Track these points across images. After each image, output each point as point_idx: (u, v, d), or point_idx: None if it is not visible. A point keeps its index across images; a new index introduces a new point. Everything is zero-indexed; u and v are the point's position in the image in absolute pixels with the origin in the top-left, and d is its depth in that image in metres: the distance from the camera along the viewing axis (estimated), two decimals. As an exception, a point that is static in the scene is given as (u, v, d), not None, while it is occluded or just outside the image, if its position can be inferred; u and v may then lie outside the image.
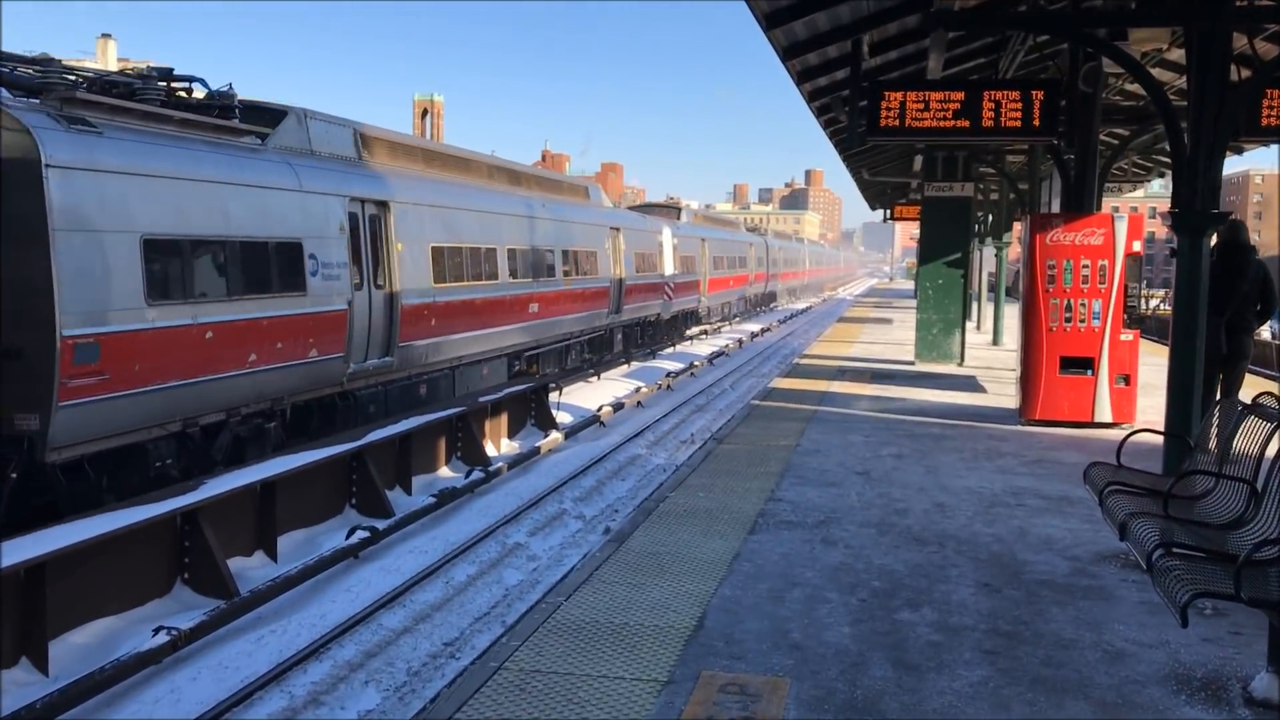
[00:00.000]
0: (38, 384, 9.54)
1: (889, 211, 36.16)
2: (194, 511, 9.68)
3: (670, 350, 32.90)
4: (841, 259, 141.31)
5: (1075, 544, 7.76)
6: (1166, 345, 26.29)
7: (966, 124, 10.12)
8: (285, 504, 11.18)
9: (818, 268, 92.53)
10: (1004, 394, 15.91)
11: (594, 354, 26.78)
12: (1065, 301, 12.73)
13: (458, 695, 5.08)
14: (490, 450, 16.31)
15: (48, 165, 9.56)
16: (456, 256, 17.36)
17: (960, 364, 20.23)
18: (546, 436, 16.99)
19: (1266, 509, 5.60)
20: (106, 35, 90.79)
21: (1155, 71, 14.51)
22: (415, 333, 15.79)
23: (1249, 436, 6.23)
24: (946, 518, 8.48)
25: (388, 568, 10.81)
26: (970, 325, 26.91)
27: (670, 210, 40.38)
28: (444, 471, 14.92)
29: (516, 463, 15.29)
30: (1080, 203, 13.30)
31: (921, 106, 10.15)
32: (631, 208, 39.56)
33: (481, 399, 16.40)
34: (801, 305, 68.82)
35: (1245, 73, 10.40)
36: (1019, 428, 12.95)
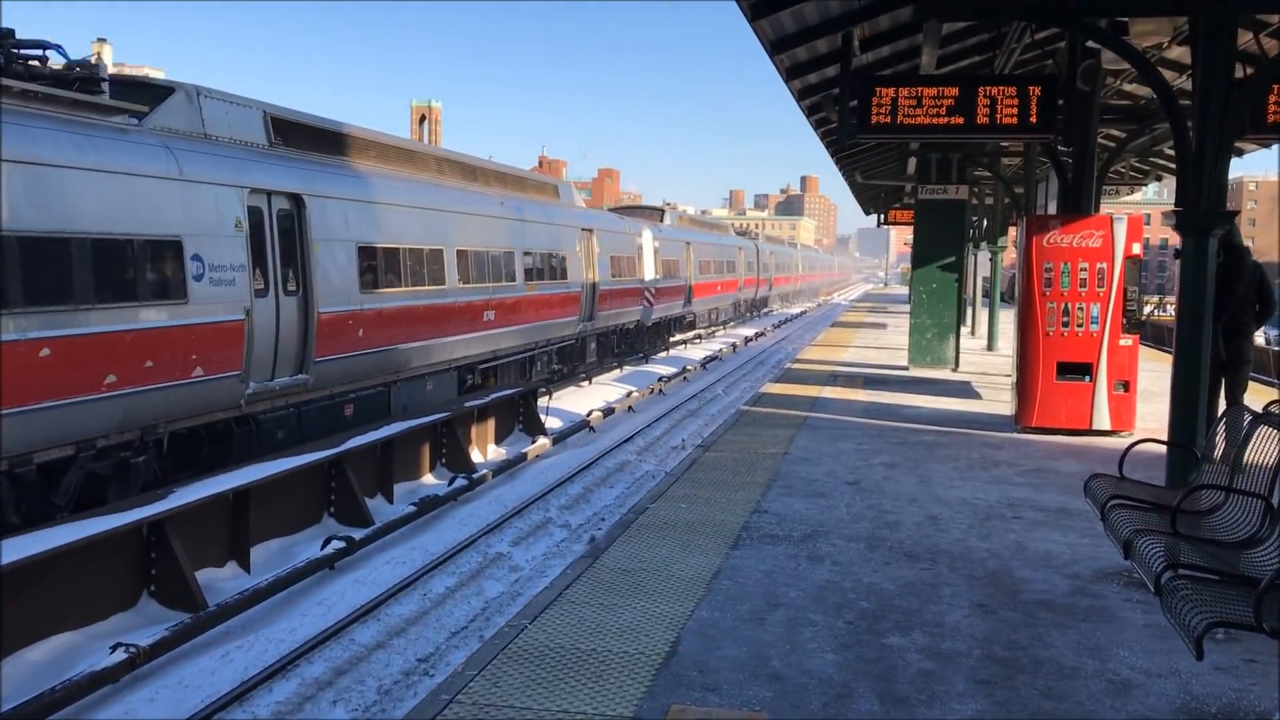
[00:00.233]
0: None
1: (883, 216, 35.82)
2: (161, 521, 9.30)
3: (663, 355, 32.56)
4: (836, 264, 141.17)
5: (1075, 560, 7.37)
6: (1163, 351, 25.98)
7: (961, 121, 9.75)
8: (259, 513, 10.79)
9: (811, 273, 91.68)
10: (999, 400, 15.54)
11: (564, 364, 24.67)
12: (1063, 305, 12.35)
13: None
14: (476, 456, 15.93)
15: None
16: (392, 259, 15.43)
17: (955, 369, 19.88)
18: (535, 442, 16.61)
19: (1283, 527, 5.22)
20: (102, 39, 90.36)
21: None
22: (337, 346, 13.80)
23: (1261, 449, 5.85)
24: (939, 531, 8.09)
25: (363, 579, 10.48)
26: (965, 330, 26.64)
27: (653, 212, 38.47)
28: (428, 479, 14.56)
29: (502, 469, 14.94)
30: (1078, 204, 12.93)
31: (914, 103, 9.78)
32: (612, 209, 38.24)
33: (468, 403, 16.00)
34: (796, 310, 68.56)
35: (1247, 72, 10.05)
36: (1015, 435, 12.56)
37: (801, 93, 13.42)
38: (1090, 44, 11.28)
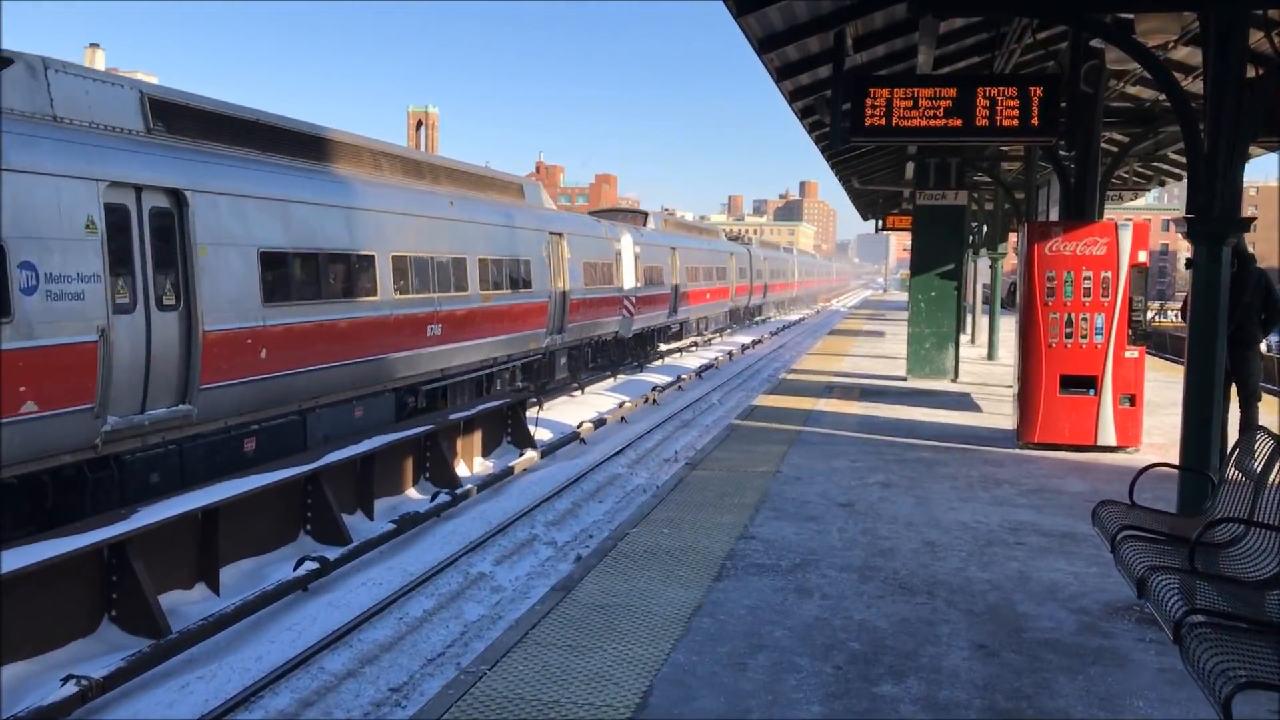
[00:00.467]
0: None
1: (881, 222, 35.36)
2: (122, 543, 8.83)
3: (658, 364, 32.11)
4: (834, 270, 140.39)
5: (1082, 592, 6.87)
6: (1164, 359, 25.48)
7: (959, 123, 9.26)
8: (230, 532, 10.34)
9: (808, 279, 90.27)
10: (1000, 413, 15.05)
11: (531, 380, 22.16)
12: (1065, 316, 11.86)
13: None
14: (462, 470, 15.47)
15: None
16: (308, 266, 13.39)
17: (954, 380, 19.38)
18: (522, 455, 16.14)
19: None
20: (94, 45, 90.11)
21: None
22: (232, 369, 11.76)
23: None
24: (937, 559, 7.58)
25: (337, 602, 10.05)
26: (964, 338, 26.16)
27: (635, 215, 36.53)
28: (411, 494, 14.13)
29: (488, 484, 14.48)
30: (1081, 210, 12.45)
31: (910, 104, 9.30)
32: (591, 212, 36.88)
33: (453, 415, 15.52)
34: (794, 317, 68.13)
35: (1259, 72, 9.58)
36: (1016, 451, 12.06)
37: (793, 94, 12.94)
38: (1094, 43, 10.81)
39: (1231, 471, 6.34)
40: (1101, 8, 8.59)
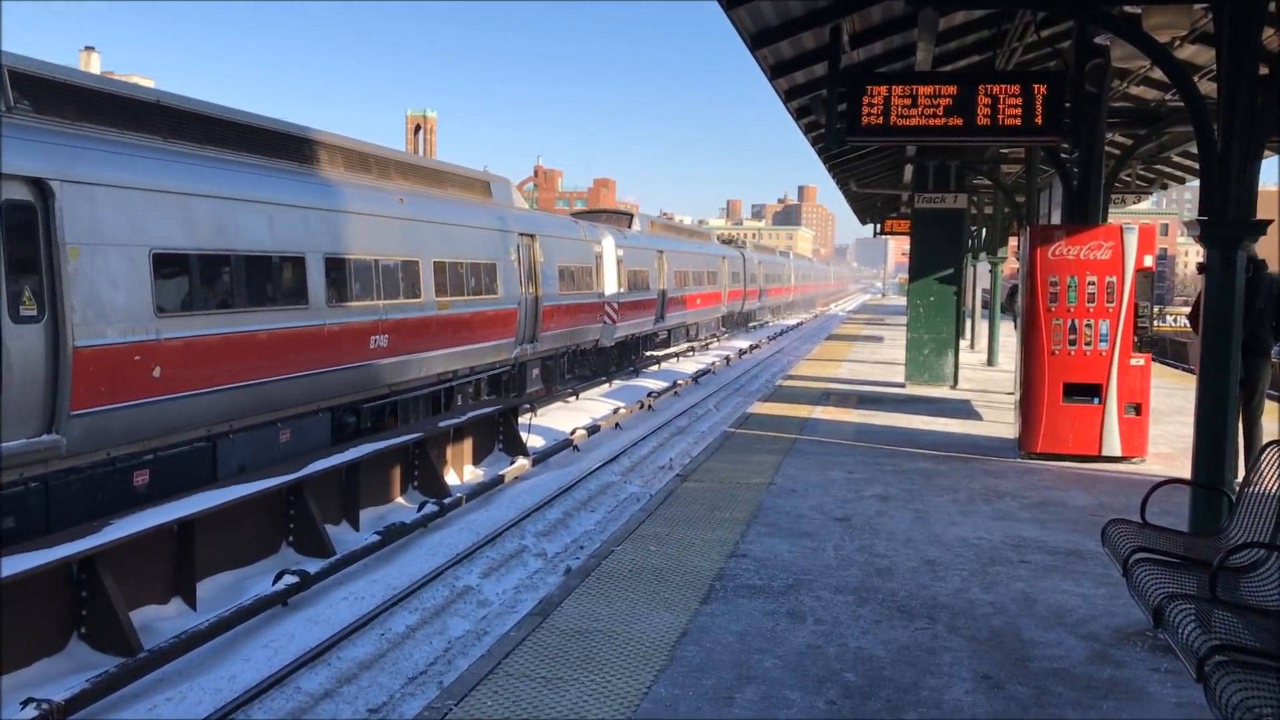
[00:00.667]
0: None
1: (879, 226, 35.01)
2: (92, 558, 8.46)
3: (654, 369, 31.74)
4: (832, 274, 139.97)
5: (1091, 616, 6.48)
6: (1165, 364, 25.08)
7: (960, 122, 8.90)
8: (208, 545, 9.97)
9: (805, 284, 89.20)
10: (1001, 421, 14.68)
11: (497, 394, 20.46)
12: (1069, 322, 11.49)
13: None
14: (452, 479, 15.09)
15: None
16: (216, 270, 11.67)
17: (953, 386, 19.01)
18: (514, 463, 15.77)
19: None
20: (90, 48, 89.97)
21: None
22: (115, 391, 10.14)
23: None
24: (938, 579, 7.20)
25: (317, 618, 9.69)
26: (964, 344, 25.82)
27: (620, 216, 34.52)
28: (399, 503, 13.77)
29: (477, 493, 14.11)
30: (1084, 213, 12.08)
31: (908, 103, 8.94)
32: (574, 213, 35.50)
33: (443, 423, 15.14)
34: (792, 321, 67.78)
35: (1269, 71, 9.21)
36: (1019, 462, 11.68)
37: (789, 94, 12.56)
38: (1098, 40, 10.46)
39: (1254, 490, 5.97)
40: (1109, 1, 8.23)
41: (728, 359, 35.45)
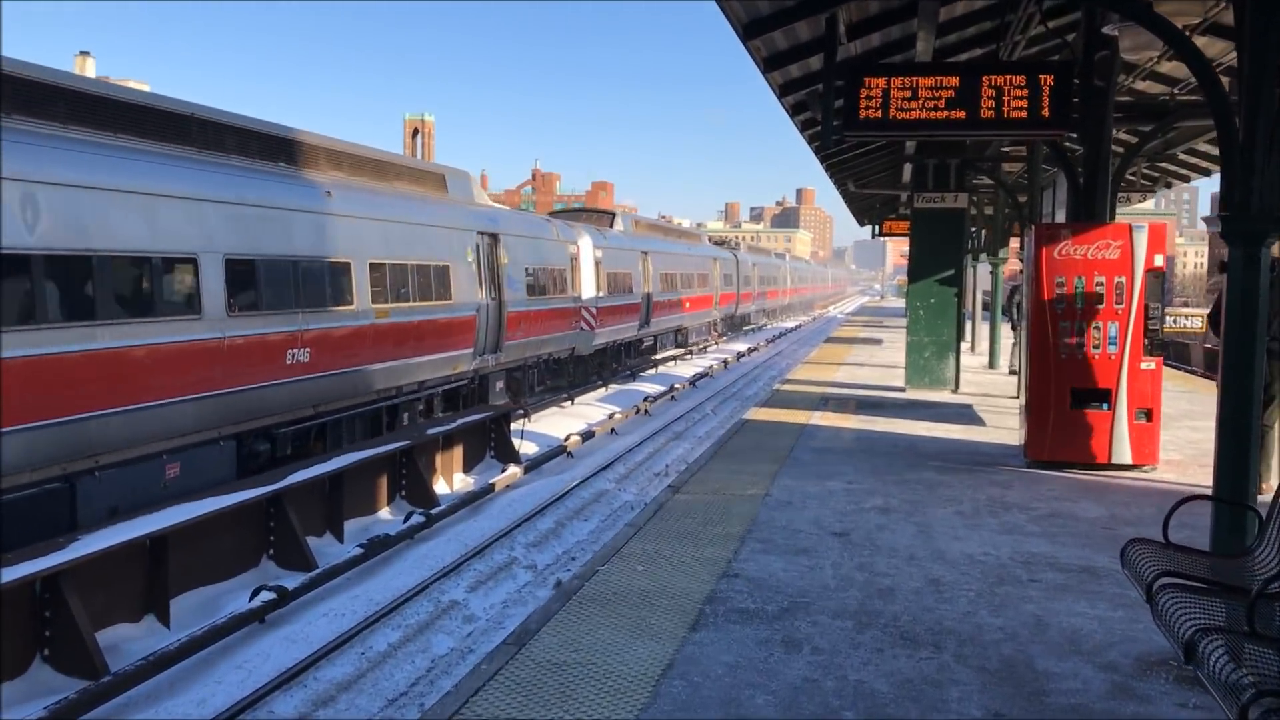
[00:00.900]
0: None
1: (878, 227, 34.57)
2: (56, 576, 8.03)
3: (651, 372, 31.31)
4: (830, 276, 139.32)
5: (1109, 642, 6.02)
6: (1172, 367, 24.58)
7: (962, 115, 8.46)
8: (183, 560, 9.56)
9: (802, 286, 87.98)
10: (1004, 427, 14.22)
11: (452, 410, 18.23)
12: (1076, 324, 11.03)
13: None
14: (442, 488, 14.66)
15: None
16: (71, 274, 9.69)
17: (955, 390, 18.55)
18: (505, 471, 15.32)
19: None
20: (85, 53, 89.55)
21: (1172, 67, 12.96)
22: None
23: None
24: (943, 601, 6.74)
25: (295, 635, 9.28)
26: (965, 346, 25.40)
27: (600, 216, 32.70)
28: (385, 513, 13.36)
29: (466, 502, 13.67)
30: (1091, 211, 11.62)
31: (908, 95, 8.49)
32: (552, 213, 34.04)
33: (431, 430, 14.68)
34: (791, 324, 67.34)
35: None
36: (1025, 470, 11.22)
37: (784, 88, 12.11)
38: (1106, 30, 10.01)
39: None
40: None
41: (725, 362, 35.07)
